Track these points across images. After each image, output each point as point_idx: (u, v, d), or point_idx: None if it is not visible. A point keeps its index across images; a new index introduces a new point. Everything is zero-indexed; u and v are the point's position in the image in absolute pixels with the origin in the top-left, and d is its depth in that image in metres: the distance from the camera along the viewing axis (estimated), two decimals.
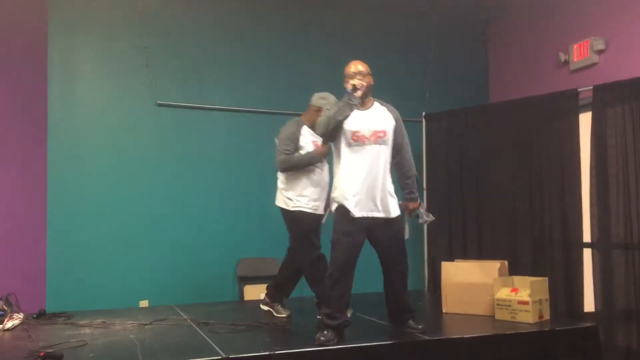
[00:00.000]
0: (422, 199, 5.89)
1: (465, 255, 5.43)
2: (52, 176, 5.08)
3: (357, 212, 3.68)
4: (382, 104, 3.92)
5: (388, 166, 3.82)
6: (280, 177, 4.39)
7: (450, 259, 5.13)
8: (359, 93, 3.73)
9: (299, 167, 4.27)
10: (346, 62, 6.04)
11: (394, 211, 3.79)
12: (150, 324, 4.18)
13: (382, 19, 6.26)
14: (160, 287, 5.24)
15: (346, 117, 3.70)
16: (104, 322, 4.21)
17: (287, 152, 4.25)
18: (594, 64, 5.25)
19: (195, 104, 5.54)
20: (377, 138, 3.76)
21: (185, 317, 4.41)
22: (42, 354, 3.18)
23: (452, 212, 5.77)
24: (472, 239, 5.60)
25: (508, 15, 6.37)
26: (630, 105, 4.50)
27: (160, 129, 5.44)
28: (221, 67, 5.68)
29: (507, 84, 6.39)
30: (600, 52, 5.21)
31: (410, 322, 3.90)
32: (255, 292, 5.44)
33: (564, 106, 4.99)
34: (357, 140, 3.74)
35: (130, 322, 4.23)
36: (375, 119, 3.81)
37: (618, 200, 4.53)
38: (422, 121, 6.05)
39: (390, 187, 3.81)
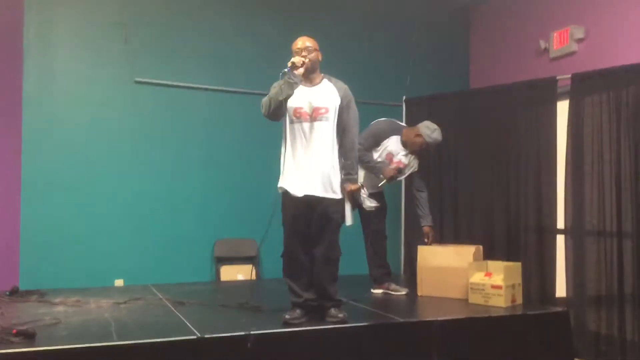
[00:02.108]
0: (400, 184, 5.96)
1: (441, 239, 5.48)
2: (26, 153, 4.99)
3: (296, 191, 3.63)
4: (330, 80, 3.83)
5: (331, 144, 3.70)
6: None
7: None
8: (300, 71, 3.63)
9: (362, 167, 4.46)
10: (328, 43, 6.04)
11: (332, 191, 3.67)
12: (125, 302, 4.17)
13: (363, 3, 6.22)
14: (136, 266, 5.21)
15: (288, 96, 3.58)
16: (78, 300, 4.18)
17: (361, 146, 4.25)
18: (573, 53, 5.30)
19: (174, 82, 5.48)
20: (318, 114, 3.68)
21: (161, 296, 4.40)
22: (14, 331, 3.14)
23: (429, 196, 5.79)
24: (448, 223, 5.65)
25: (490, 1, 6.38)
26: (607, 95, 4.54)
27: (138, 106, 5.37)
28: (202, 45, 5.61)
29: (487, 70, 6.41)
30: (580, 40, 5.25)
31: (331, 310, 3.69)
32: (232, 272, 5.45)
33: (543, 94, 5.02)
34: (299, 117, 3.68)
35: (104, 300, 4.20)
36: (318, 96, 3.72)
37: (592, 188, 4.60)
38: (402, 105, 6.05)
39: (333, 166, 3.70)
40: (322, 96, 3.74)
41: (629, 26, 4.82)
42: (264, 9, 5.87)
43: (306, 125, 3.68)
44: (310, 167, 3.66)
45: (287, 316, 3.59)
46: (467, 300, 4.41)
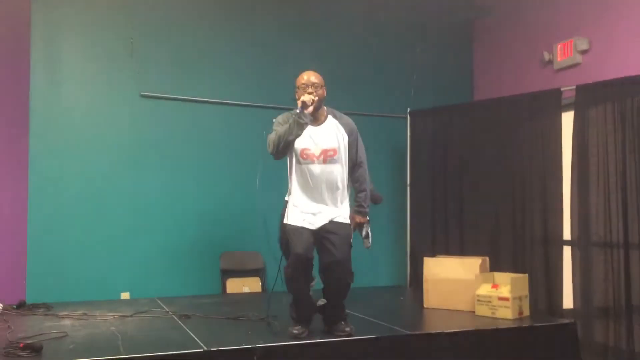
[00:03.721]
0: (405, 196, 5.97)
1: (447, 251, 5.47)
2: (33, 166, 5.02)
3: (308, 226, 3.60)
4: (335, 116, 3.74)
5: (340, 184, 3.68)
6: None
7: (433, 254, 5.17)
8: (309, 110, 3.55)
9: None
10: (333, 56, 6.11)
11: (341, 217, 3.67)
12: (132, 316, 4.17)
13: (368, 16, 6.26)
14: (142, 279, 5.21)
15: (297, 136, 3.56)
16: (85, 313, 4.19)
17: None
18: (577, 64, 5.30)
19: (179, 96, 5.51)
20: (327, 157, 3.62)
21: (167, 309, 4.40)
22: (21, 344, 3.16)
23: (435, 208, 5.81)
24: (454, 235, 5.64)
25: (493, 13, 6.41)
26: (612, 105, 4.54)
27: (144, 120, 5.40)
28: (207, 59, 5.65)
29: (491, 82, 6.42)
30: (584, 52, 5.26)
31: (339, 324, 3.71)
32: (238, 285, 5.45)
33: (547, 105, 5.03)
34: (307, 159, 3.62)
35: (111, 314, 4.21)
36: (326, 137, 3.65)
37: (598, 199, 4.59)
38: (406, 118, 6.07)
39: (342, 202, 3.71)
40: (330, 137, 3.66)
41: (633, 37, 4.83)
42: (268, 23, 5.90)
43: (316, 167, 3.62)
44: (319, 208, 3.63)
45: (294, 331, 3.58)
46: (473, 312, 4.39)
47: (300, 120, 3.53)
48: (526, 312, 4.37)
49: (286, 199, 3.76)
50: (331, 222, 3.63)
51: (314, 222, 3.61)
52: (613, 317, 4.44)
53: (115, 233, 5.20)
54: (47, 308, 4.40)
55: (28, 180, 5.00)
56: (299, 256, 3.55)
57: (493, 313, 4.27)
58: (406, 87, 6.30)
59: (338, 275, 3.64)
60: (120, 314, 4.21)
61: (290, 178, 3.71)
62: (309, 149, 3.62)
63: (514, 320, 4.19)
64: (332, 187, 3.65)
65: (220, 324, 3.99)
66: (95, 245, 5.13)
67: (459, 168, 5.65)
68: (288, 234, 3.64)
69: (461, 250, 5.44)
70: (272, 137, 3.61)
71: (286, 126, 3.57)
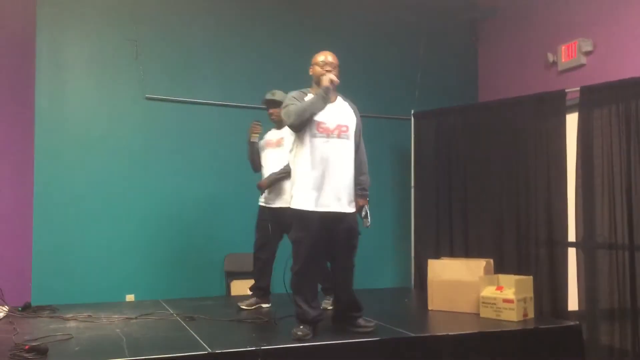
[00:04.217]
0: (409, 197, 5.97)
1: (451, 253, 5.47)
2: (38, 169, 5.05)
3: (315, 207, 3.62)
4: (344, 99, 3.87)
5: (351, 161, 3.76)
6: None
7: (437, 256, 5.17)
8: (332, 85, 3.68)
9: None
10: (337, 57, 6.10)
11: (352, 206, 3.76)
12: (137, 318, 4.17)
13: (372, 17, 6.28)
14: (147, 282, 5.24)
15: (320, 110, 3.64)
16: (90, 315, 4.20)
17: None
18: (581, 65, 5.30)
19: (184, 98, 5.53)
20: (341, 132, 3.70)
21: (172, 311, 4.40)
22: (27, 347, 3.16)
23: (439, 210, 5.80)
24: (458, 237, 5.63)
25: (498, 15, 6.41)
26: (616, 107, 4.54)
27: (149, 122, 5.43)
28: (211, 62, 5.67)
29: (496, 84, 6.43)
30: (588, 53, 5.26)
31: (360, 321, 3.80)
32: (242, 287, 5.45)
33: (552, 106, 5.02)
34: (322, 132, 3.66)
35: (116, 316, 4.21)
36: (340, 113, 3.76)
37: (603, 201, 4.58)
38: (411, 119, 6.07)
39: (352, 182, 3.77)
40: (343, 114, 3.77)
41: (637, 38, 4.82)
42: (272, 26, 5.92)
43: (331, 141, 3.67)
44: (335, 183, 3.65)
45: (299, 333, 3.57)
46: (478, 314, 4.38)
47: (326, 96, 3.65)
48: (531, 314, 4.36)
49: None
50: (348, 210, 3.72)
51: (330, 204, 3.67)
52: (618, 319, 4.44)
53: (120, 235, 5.22)
54: (52, 310, 4.41)
55: (33, 182, 5.02)
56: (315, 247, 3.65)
57: (498, 315, 4.26)
58: (410, 89, 6.31)
59: (347, 268, 3.82)
60: (125, 316, 4.22)
61: (299, 155, 3.70)
62: (325, 123, 3.68)
63: (519, 322, 4.17)
64: (347, 166, 3.74)
65: (225, 326, 3.99)
66: (100, 247, 5.15)
67: (463, 170, 5.65)
68: (302, 222, 3.64)
69: (465, 252, 5.44)
70: (293, 108, 3.62)
71: (311, 99, 3.65)
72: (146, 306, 4.62)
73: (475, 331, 3.95)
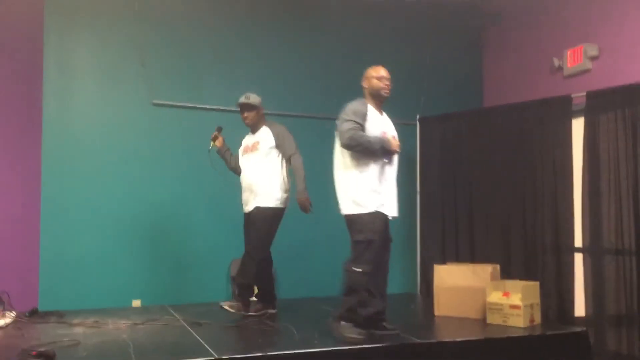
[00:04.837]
0: (415, 203, 5.96)
1: (457, 258, 5.46)
2: (46, 175, 5.07)
3: (389, 213, 3.83)
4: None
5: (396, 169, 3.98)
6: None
7: (443, 262, 5.16)
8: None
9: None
10: (340, 64, 6.15)
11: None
12: (143, 323, 4.19)
13: (378, 23, 6.28)
14: (153, 287, 5.24)
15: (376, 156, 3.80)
16: (97, 321, 4.21)
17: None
18: (587, 70, 5.29)
19: (191, 104, 5.55)
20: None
21: (178, 317, 4.42)
22: (34, 352, 3.18)
23: (445, 215, 5.80)
24: (464, 242, 5.62)
25: (503, 20, 6.40)
26: (622, 112, 4.53)
27: (156, 128, 5.44)
28: (218, 67, 5.69)
29: (501, 89, 6.42)
30: (593, 58, 5.24)
31: (385, 324, 3.91)
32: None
33: (557, 111, 5.02)
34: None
35: (122, 321, 4.23)
36: (390, 125, 4.01)
37: (610, 206, 4.56)
38: (416, 124, 6.07)
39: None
40: (391, 126, 4.06)
41: None
42: (279, 32, 5.94)
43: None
44: (394, 190, 3.90)
45: (359, 336, 3.65)
46: (484, 320, 4.37)
47: (382, 150, 3.77)
48: (538, 320, 4.35)
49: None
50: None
51: (394, 209, 3.90)
52: (625, 325, 4.41)
53: (126, 240, 5.24)
54: (59, 316, 4.43)
55: (41, 188, 5.04)
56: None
57: (504, 321, 4.25)
58: (416, 94, 6.31)
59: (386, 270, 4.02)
60: (131, 321, 4.23)
61: (365, 168, 3.77)
62: (387, 133, 3.90)
63: (526, 328, 4.17)
64: (395, 172, 3.96)
65: (231, 332, 4.00)
66: (107, 252, 5.16)
67: (468, 175, 5.64)
68: (368, 220, 3.72)
69: (472, 257, 5.43)
70: (361, 140, 3.71)
71: (376, 142, 3.74)
72: (153, 311, 4.64)
73: (482, 337, 3.95)
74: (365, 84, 3.98)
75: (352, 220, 3.78)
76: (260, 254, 4.50)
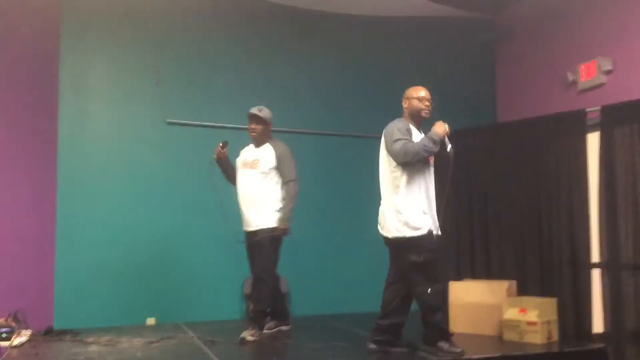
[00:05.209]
0: None
1: (473, 275, 5.40)
2: (61, 193, 5.11)
3: (435, 230, 3.86)
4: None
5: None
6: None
7: (459, 278, 5.11)
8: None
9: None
10: (354, 78, 6.19)
11: None
12: (157, 341, 4.18)
13: (388, 39, 6.30)
14: (167, 305, 5.24)
15: (435, 153, 3.86)
16: (111, 339, 4.22)
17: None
18: (601, 84, 5.26)
19: (205, 122, 5.58)
20: (431, 160, 3.94)
21: (192, 335, 4.41)
22: None
23: (460, 231, 5.75)
24: (480, 258, 5.57)
25: (516, 34, 6.40)
26: (638, 126, 4.50)
27: (170, 146, 5.48)
28: (231, 86, 5.72)
29: (514, 104, 6.40)
30: (608, 72, 5.22)
31: (441, 344, 3.80)
32: None
33: (572, 126, 4.99)
34: (428, 163, 3.91)
35: (137, 339, 4.23)
36: None
37: (627, 221, 4.52)
38: None
39: None
40: None
41: None
42: (291, 50, 5.98)
43: (431, 169, 3.95)
44: (433, 207, 3.91)
45: (457, 350, 3.72)
46: (501, 337, 4.32)
47: (438, 142, 3.83)
48: (555, 336, 4.29)
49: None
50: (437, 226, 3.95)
51: (438, 226, 3.92)
52: None
53: (140, 259, 5.25)
54: (74, 334, 4.43)
55: (56, 205, 5.08)
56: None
57: (521, 338, 4.20)
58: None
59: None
60: (146, 339, 4.23)
61: (414, 187, 3.81)
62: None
63: (543, 345, 4.11)
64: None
65: (245, 350, 3.97)
66: (121, 270, 5.17)
67: (483, 190, 5.61)
68: (425, 241, 3.74)
69: (487, 274, 5.38)
70: (411, 148, 3.75)
71: (425, 141, 3.81)
72: (167, 329, 4.63)
73: (499, 354, 3.89)
74: (405, 104, 4.01)
75: (404, 243, 3.78)
76: (272, 275, 4.48)
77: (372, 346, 3.85)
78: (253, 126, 4.58)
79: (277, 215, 4.42)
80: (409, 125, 3.90)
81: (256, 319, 4.40)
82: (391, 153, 3.80)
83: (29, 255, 5.24)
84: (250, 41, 5.87)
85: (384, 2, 5.80)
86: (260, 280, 4.42)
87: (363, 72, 6.16)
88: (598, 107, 4.79)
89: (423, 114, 3.96)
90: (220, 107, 5.68)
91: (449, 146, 4.03)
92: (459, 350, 3.71)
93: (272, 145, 4.55)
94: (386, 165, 3.88)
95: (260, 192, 4.44)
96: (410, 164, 3.75)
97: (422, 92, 3.96)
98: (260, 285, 4.41)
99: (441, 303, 3.86)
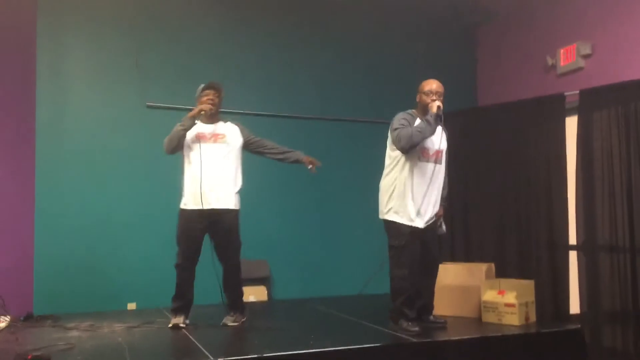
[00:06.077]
0: None
1: (452, 257, 5.46)
2: (40, 177, 5.05)
3: (418, 223, 3.93)
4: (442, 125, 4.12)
5: (441, 183, 4.12)
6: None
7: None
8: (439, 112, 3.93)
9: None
10: (330, 67, 6.17)
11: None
12: (138, 326, 4.18)
13: (369, 23, 6.28)
14: (149, 290, 5.22)
15: (430, 136, 3.91)
16: (92, 325, 4.20)
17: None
18: (580, 68, 5.31)
19: (185, 106, 5.52)
20: (437, 157, 4.02)
21: None
22: (29, 356, 3.17)
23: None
24: (459, 241, 5.62)
25: (497, 18, 6.42)
26: (615, 110, 4.54)
27: (150, 130, 5.42)
28: (212, 69, 5.66)
29: (495, 87, 6.43)
30: (586, 56, 5.26)
31: (432, 317, 4.19)
32: (244, 294, 5.43)
33: (551, 110, 5.02)
34: (425, 156, 3.96)
35: (118, 325, 4.22)
36: (439, 138, 4.03)
37: (603, 203, 4.58)
38: None
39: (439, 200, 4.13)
40: (442, 139, 4.09)
41: (635, 41, 4.83)
42: (273, 33, 5.94)
43: (431, 165, 3.99)
44: (430, 204, 4.00)
45: (416, 328, 3.88)
46: (480, 319, 4.38)
47: (434, 123, 3.89)
48: (533, 318, 4.36)
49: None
50: (433, 221, 4.06)
51: (424, 219, 3.98)
52: (620, 322, 4.43)
53: (121, 243, 5.22)
54: (54, 320, 4.41)
55: (35, 192, 5.03)
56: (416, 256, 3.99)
57: (499, 320, 4.26)
58: (409, 93, 6.29)
59: (435, 272, 4.23)
60: (127, 324, 4.22)
61: (400, 177, 3.94)
62: (428, 149, 3.97)
63: (521, 326, 4.18)
64: (440, 187, 4.10)
65: (227, 334, 3.99)
66: (102, 255, 5.15)
67: (462, 173, 5.64)
68: (402, 233, 3.91)
69: (466, 256, 5.43)
70: (404, 133, 3.84)
71: (420, 125, 3.89)
72: (148, 314, 4.63)
73: (477, 336, 3.95)
74: (417, 98, 4.10)
75: (385, 225, 4.02)
76: (239, 257, 4.35)
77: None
78: (213, 97, 4.24)
79: (237, 196, 4.26)
80: (412, 118, 4.01)
81: (239, 304, 4.37)
82: (392, 141, 3.96)
83: (8, 240, 5.19)
84: (232, 24, 5.82)
85: None
86: (237, 266, 4.33)
87: (345, 57, 6.14)
88: (577, 91, 4.83)
89: (429, 107, 3.97)
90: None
91: (443, 227, 4.23)
92: (415, 329, 3.87)
93: (230, 123, 4.34)
94: (387, 150, 4.07)
95: (232, 168, 4.22)
96: (407, 148, 3.84)
97: (432, 85, 4.05)
98: (238, 271, 4.34)
99: (407, 288, 3.94)
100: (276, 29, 5.97)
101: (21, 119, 5.26)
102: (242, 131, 4.33)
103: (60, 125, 5.17)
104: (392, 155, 4.02)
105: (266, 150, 4.38)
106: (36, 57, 5.12)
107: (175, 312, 4.20)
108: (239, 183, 4.28)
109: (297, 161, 4.36)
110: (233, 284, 4.35)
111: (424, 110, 4.03)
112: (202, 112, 4.19)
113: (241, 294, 4.42)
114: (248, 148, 4.35)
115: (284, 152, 4.39)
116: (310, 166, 4.31)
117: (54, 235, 5.03)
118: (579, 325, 4.28)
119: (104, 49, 5.35)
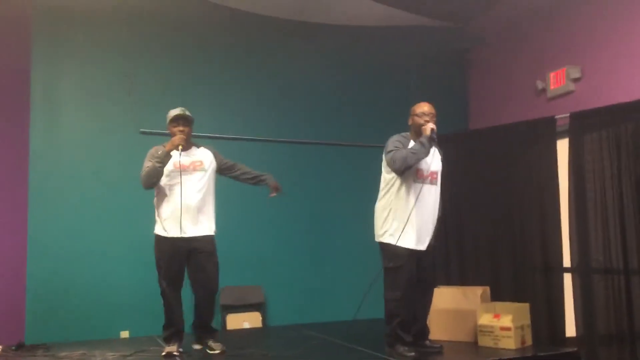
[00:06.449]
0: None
1: (448, 281, 5.44)
2: (33, 206, 5.03)
3: (417, 246, 3.94)
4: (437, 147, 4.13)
5: (437, 205, 4.11)
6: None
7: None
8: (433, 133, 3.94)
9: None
10: (323, 92, 6.21)
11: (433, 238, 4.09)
12: (131, 355, 4.13)
13: (362, 47, 6.34)
14: (142, 317, 5.17)
15: (424, 158, 3.90)
16: (84, 353, 4.16)
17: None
18: (570, 92, 5.36)
19: None
20: (432, 178, 4.04)
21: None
22: None
23: (433, 238, 5.78)
24: (454, 265, 5.62)
25: (487, 43, 6.49)
26: (606, 132, 4.59)
27: (143, 156, 5.40)
28: (204, 95, 5.70)
29: (486, 111, 6.48)
30: (576, 80, 5.32)
31: (427, 341, 4.17)
32: (238, 321, 5.40)
33: (542, 133, 5.07)
34: (420, 178, 3.97)
35: (110, 353, 4.17)
36: (433, 160, 4.04)
37: (597, 225, 4.59)
38: None
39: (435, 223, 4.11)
40: (435, 161, 4.09)
41: (624, 64, 4.89)
42: (266, 60, 5.98)
43: (426, 187, 4.01)
44: (426, 224, 4.00)
45: (413, 354, 3.86)
46: (476, 343, 4.35)
47: (428, 145, 3.90)
48: (529, 341, 4.34)
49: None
50: (430, 243, 4.05)
51: (423, 242, 3.98)
52: (616, 344, 4.41)
53: (114, 271, 5.19)
54: (46, 349, 4.37)
55: (27, 220, 5.00)
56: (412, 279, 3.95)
57: (496, 343, 4.24)
58: (401, 117, 6.34)
59: (430, 296, 4.20)
60: (119, 353, 4.18)
61: (396, 198, 3.96)
62: (423, 170, 3.99)
63: (517, 350, 4.15)
64: (436, 207, 4.09)
65: None
66: (94, 283, 5.11)
67: (455, 197, 5.65)
68: (398, 255, 3.90)
69: (462, 280, 5.42)
70: (399, 155, 3.87)
71: (415, 147, 3.91)
72: (141, 342, 4.58)
73: None
74: (409, 121, 4.12)
75: (380, 246, 4.04)
76: (218, 281, 4.34)
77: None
78: (183, 128, 4.28)
79: (214, 220, 4.30)
80: (406, 140, 4.04)
81: (211, 330, 4.36)
82: (387, 163, 3.99)
83: (0, 269, 5.15)
84: (223, 50, 5.86)
85: (353, 11, 5.82)
86: (214, 292, 4.33)
87: (339, 81, 6.18)
88: (567, 114, 4.88)
89: (423, 129, 3.99)
90: (195, 117, 5.62)
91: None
92: (411, 354, 3.85)
93: (204, 147, 4.39)
94: (382, 173, 4.09)
95: (210, 195, 4.29)
96: (402, 170, 3.86)
97: (424, 107, 4.08)
98: (210, 297, 4.33)
99: (400, 311, 3.94)
100: (270, 54, 6.01)
101: (15, 148, 5.27)
102: (215, 156, 4.38)
103: (53, 154, 5.16)
104: (387, 177, 4.04)
105: (239, 174, 4.44)
106: (30, 85, 5.13)
107: (168, 340, 4.16)
108: (214, 207, 4.33)
109: (265, 184, 4.41)
110: (211, 309, 4.37)
111: (417, 132, 4.06)
112: (180, 147, 4.20)
113: (211, 319, 4.41)
114: (221, 172, 4.40)
115: (255, 177, 4.45)
116: (273, 193, 4.36)
117: (46, 264, 4.99)
118: (576, 349, 4.26)
119: (97, 75, 5.38)
